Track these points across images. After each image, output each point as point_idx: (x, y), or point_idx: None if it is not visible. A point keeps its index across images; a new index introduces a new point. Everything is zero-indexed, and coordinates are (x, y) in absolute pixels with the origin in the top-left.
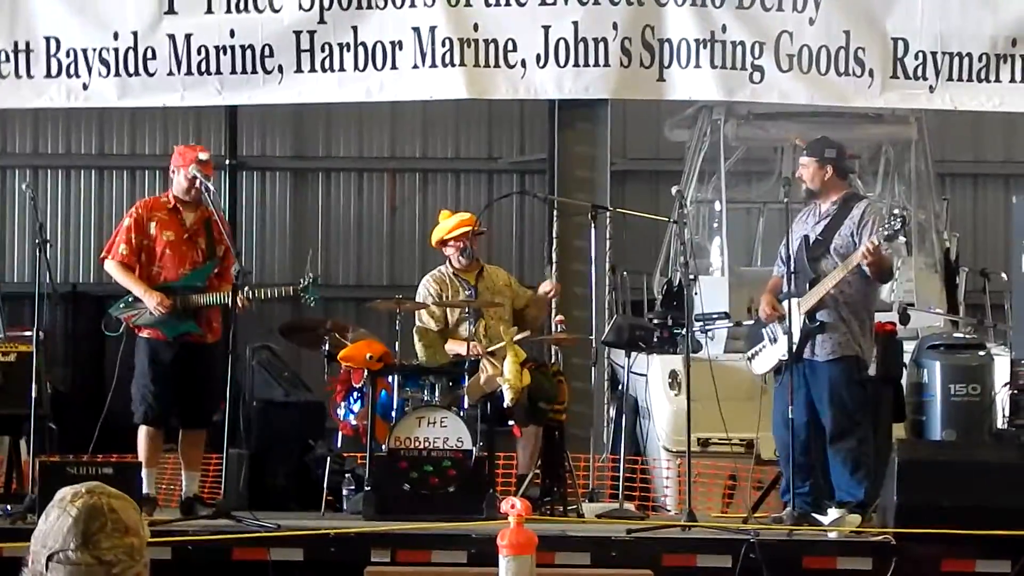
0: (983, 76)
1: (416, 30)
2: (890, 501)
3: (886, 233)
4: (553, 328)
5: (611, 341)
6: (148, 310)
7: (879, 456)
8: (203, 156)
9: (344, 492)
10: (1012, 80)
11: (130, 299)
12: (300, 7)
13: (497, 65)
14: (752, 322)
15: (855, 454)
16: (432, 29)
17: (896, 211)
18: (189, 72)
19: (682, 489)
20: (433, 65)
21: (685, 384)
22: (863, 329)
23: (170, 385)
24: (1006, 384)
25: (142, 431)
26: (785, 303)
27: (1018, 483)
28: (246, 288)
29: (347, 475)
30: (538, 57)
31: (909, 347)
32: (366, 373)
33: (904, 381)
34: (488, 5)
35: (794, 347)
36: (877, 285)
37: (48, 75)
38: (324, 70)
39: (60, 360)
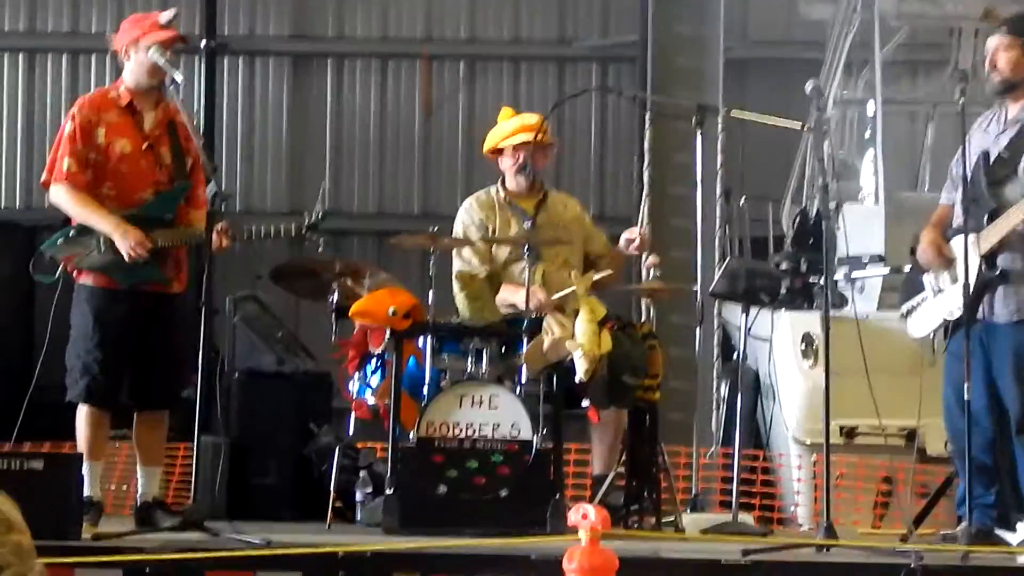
0: None
1: None
2: None
3: None
4: (643, 274)
5: (723, 292)
6: (96, 248)
7: None
8: (164, 18)
9: (358, 496)
10: None
11: (71, 232)
12: None
13: None
14: (910, 267)
15: None
16: None
17: None
18: None
19: (818, 496)
20: None
21: (824, 352)
22: None
23: (122, 351)
24: None
25: (82, 412)
26: (955, 242)
27: None
28: (224, 223)
29: (362, 473)
30: None
31: None
32: (388, 334)
33: None
34: None
35: (968, 301)
36: None
37: None
38: None
39: None
